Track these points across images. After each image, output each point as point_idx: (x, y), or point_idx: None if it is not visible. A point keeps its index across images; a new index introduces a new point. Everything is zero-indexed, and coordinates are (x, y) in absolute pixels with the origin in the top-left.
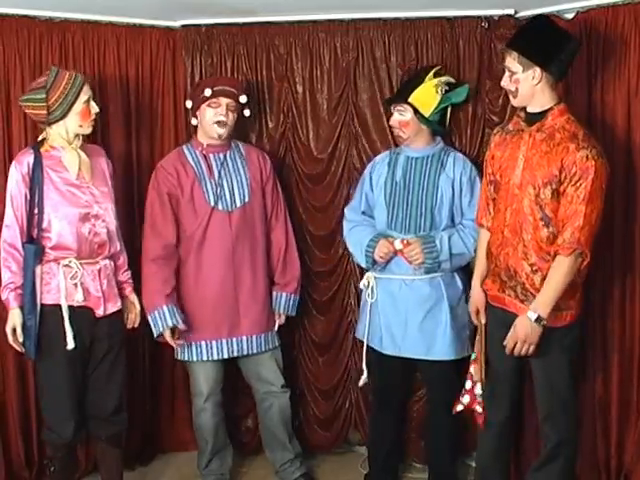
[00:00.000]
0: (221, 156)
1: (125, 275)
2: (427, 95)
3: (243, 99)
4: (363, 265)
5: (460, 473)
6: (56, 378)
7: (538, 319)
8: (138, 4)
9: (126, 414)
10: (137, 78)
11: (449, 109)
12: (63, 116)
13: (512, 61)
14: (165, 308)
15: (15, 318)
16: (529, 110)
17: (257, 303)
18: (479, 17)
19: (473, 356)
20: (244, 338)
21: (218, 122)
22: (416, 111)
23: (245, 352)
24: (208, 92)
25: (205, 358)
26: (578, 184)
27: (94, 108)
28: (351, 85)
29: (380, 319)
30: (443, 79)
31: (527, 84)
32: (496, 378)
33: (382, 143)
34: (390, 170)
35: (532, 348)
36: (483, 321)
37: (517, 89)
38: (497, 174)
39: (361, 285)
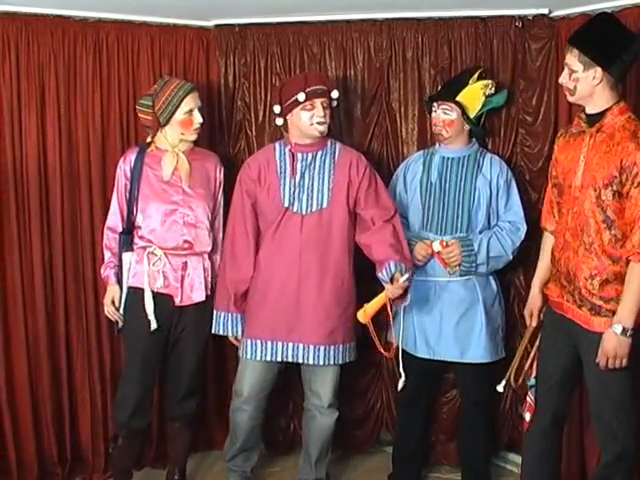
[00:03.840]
0: (309, 156)
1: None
2: (473, 96)
3: (335, 94)
4: None
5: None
6: (129, 358)
7: (624, 331)
8: (172, 4)
9: (195, 401)
10: None
11: (485, 113)
12: (166, 123)
13: (573, 59)
14: (229, 315)
15: (115, 291)
16: (588, 111)
17: (319, 313)
18: (513, 17)
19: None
20: (300, 345)
21: (318, 122)
22: (463, 111)
23: (300, 360)
24: (302, 97)
25: (258, 357)
26: None
27: (197, 118)
28: (384, 85)
29: (414, 322)
30: (491, 81)
31: (587, 84)
32: (545, 382)
33: (414, 144)
34: (425, 170)
35: (624, 361)
36: (534, 324)
37: (575, 87)
38: (560, 177)
39: None
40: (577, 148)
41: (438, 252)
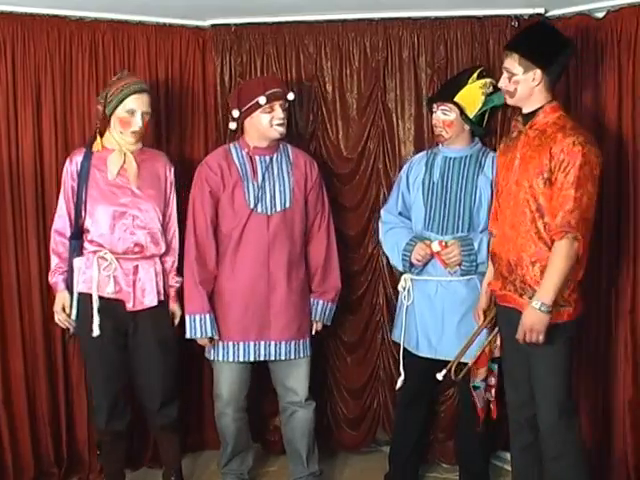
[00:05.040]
0: (267, 158)
1: (171, 281)
2: (472, 96)
3: (291, 96)
4: (400, 268)
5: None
6: (92, 366)
7: (543, 306)
8: (168, 4)
9: (174, 407)
10: (167, 78)
11: (487, 111)
12: (110, 115)
13: (513, 63)
14: (207, 316)
15: (65, 298)
16: (524, 111)
17: (289, 309)
18: (509, 16)
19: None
20: (272, 343)
21: (278, 124)
22: (461, 111)
23: (272, 357)
24: (263, 100)
25: (231, 359)
26: (567, 170)
27: (136, 122)
28: (380, 85)
29: (416, 321)
30: (489, 80)
31: (526, 85)
32: (516, 378)
33: (410, 143)
34: (427, 170)
35: (541, 337)
36: (479, 322)
37: (516, 90)
38: (500, 178)
39: (399, 287)
40: (514, 148)
41: (437, 252)
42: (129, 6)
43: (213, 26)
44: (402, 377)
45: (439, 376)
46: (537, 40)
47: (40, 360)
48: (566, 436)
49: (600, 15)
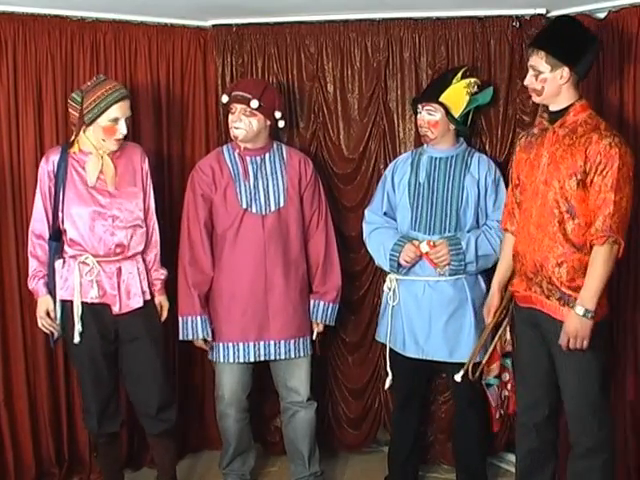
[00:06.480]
0: (258, 159)
1: (155, 274)
2: (457, 95)
3: (254, 104)
4: (386, 268)
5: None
6: (80, 371)
7: (586, 312)
8: (169, 4)
9: (173, 411)
10: (168, 78)
11: (472, 111)
12: (90, 123)
13: (539, 60)
14: (198, 319)
15: (48, 303)
16: (552, 109)
17: (288, 308)
18: (510, 16)
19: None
20: (272, 342)
21: (234, 127)
22: (447, 111)
23: (272, 357)
24: (225, 99)
25: (231, 360)
26: (604, 173)
27: (121, 130)
28: (382, 85)
29: (403, 321)
30: (474, 80)
31: (554, 83)
32: (530, 380)
33: (411, 144)
34: (413, 171)
35: (585, 342)
36: (488, 321)
37: (543, 88)
38: (523, 175)
39: (385, 287)
40: (540, 145)
41: (426, 253)
42: (130, 6)
43: (214, 26)
44: (390, 377)
45: (457, 377)
46: (564, 37)
47: (41, 361)
48: (598, 435)
49: (601, 15)
